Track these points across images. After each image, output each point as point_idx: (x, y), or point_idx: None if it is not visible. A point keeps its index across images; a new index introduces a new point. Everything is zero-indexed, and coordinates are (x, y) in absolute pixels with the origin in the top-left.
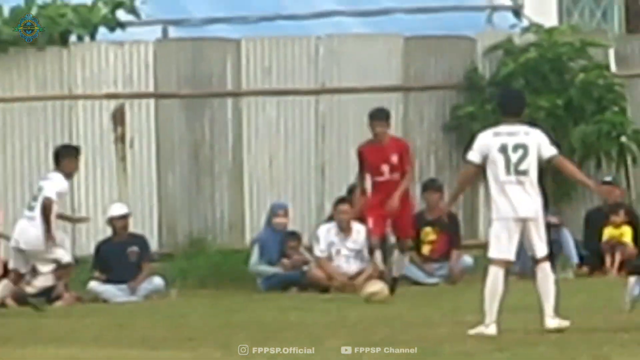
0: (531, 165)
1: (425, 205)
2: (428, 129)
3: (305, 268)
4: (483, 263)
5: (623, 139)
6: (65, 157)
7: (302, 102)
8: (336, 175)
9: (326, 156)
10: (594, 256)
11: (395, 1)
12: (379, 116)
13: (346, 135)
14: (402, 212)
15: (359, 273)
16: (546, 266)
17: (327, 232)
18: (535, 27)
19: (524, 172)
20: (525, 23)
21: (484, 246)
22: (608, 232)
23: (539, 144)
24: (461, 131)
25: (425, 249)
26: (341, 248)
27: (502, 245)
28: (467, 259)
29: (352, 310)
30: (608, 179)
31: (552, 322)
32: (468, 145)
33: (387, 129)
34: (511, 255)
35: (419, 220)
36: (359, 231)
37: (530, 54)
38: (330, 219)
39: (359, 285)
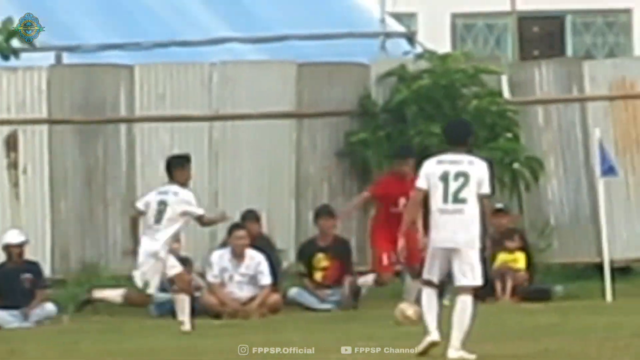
0: (471, 194)
1: (318, 231)
2: (321, 155)
3: (197, 294)
4: (374, 289)
5: (516, 165)
6: (177, 168)
7: (195, 129)
8: (229, 201)
9: (219, 182)
10: (485, 283)
11: (289, 28)
12: (406, 155)
13: (240, 162)
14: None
15: (251, 299)
16: (467, 299)
17: (220, 258)
18: (428, 54)
19: (463, 201)
20: (418, 50)
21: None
22: (501, 258)
23: (481, 176)
24: (354, 158)
25: (318, 275)
26: (234, 274)
27: (428, 268)
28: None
29: (245, 336)
30: (499, 206)
31: (454, 353)
32: (361, 171)
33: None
34: (433, 278)
35: (311, 247)
36: (252, 257)
37: (423, 81)
38: (224, 244)
39: (251, 310)
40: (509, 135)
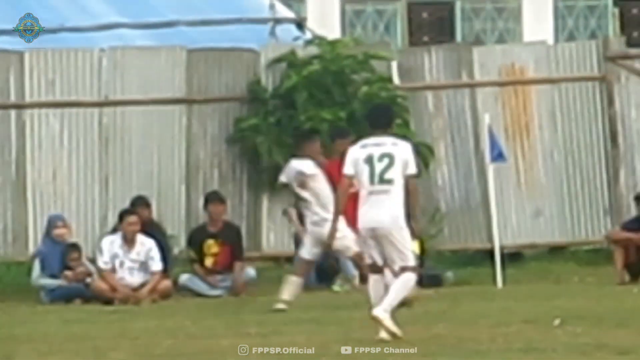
0: (397, 174)
1: (208, 217)
2: (211, 141)
3: (88, 280)
4: (265, 275)
5: None
6: (304, 142)
7: (85, 114)
8: (120, 187)
9: (110, 168)
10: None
11: (179, 14)
12: (344, 136)
13: (129, 147)
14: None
15: (142, 285)
16: (411, 275)
17: (111, 244)
18: (318, 40)
19: (389, 181)
20: (308, 36)
21: (267, 258)
22: None
23: (406, 157)
24: (244, 143)
25: (209, 261)
26: (125, 260)
27: (368, 253)
28: (250, 271)
29: (136, 322)
30: None
31: (381, 312)
32: (251, 157)
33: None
34: (377, 259)
35: (201, 233)
36: (142, 243)
37: (313, 67)
38: (114, 230)
39: (142, 296)
40: (399, 121)
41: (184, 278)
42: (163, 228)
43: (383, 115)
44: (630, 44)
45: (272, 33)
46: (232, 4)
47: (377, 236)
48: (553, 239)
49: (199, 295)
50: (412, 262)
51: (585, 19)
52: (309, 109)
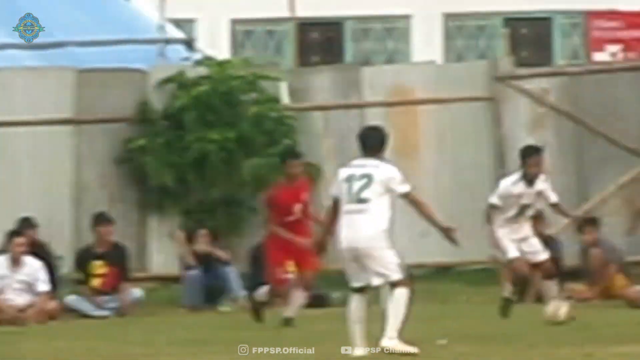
0: (374, 194)
1: (95, 238)
2: (100, 162)
3: None
4: (152, 296)
5: None
6: (528, 157)
7: None
8: (8, 208)
9: None
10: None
11: (69, 34)
12: (297, 156)
13: (18, 168)
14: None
15: (29, 306)
16: (402, 291)
17: None
18: (207, 61)
19: (365, 200)
20: (198, 56)
21: (154, 279)
22: None
23: (388, 177)
24: (133, 164)
25: (96, 282)
26: (11, 281)
27: (350, 274)
28: (137, 292)
29: (22, 344)
30: None
31: (388, 342)
32: (139, 178)
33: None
34: (357, 282)
35: (88, 254)
36: (29, 264)
37: (202, 87)
38: (2, 251)
39: (28, 317)
40: (288, 141)
41: (71, 299)
42: (50, 249)
43: (373, 139)
44: (519, 64)
45: (162, 53)
46: (122, 25)
47: (356, 256)
48: (440, 258)
49: (85, 316)
50: (397, 275)
51: (476, 39)
52: (198, 129)
